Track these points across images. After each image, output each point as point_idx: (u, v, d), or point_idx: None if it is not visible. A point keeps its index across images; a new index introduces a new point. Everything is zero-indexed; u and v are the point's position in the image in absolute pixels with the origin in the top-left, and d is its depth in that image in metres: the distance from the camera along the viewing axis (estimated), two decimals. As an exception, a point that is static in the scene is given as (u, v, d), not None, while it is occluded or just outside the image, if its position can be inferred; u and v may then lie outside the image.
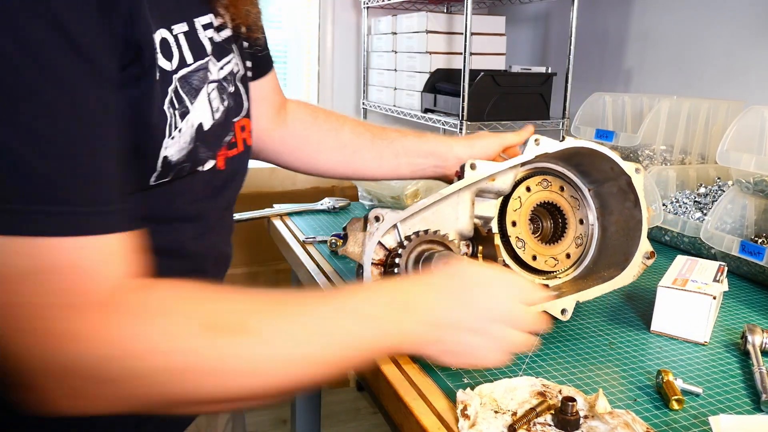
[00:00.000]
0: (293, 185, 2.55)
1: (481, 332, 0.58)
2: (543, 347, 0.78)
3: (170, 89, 0.52)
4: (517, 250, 0.86)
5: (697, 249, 1.16)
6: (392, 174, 0.94)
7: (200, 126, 0.56)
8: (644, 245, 0.85)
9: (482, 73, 2.05)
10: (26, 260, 0.41)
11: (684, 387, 0.68)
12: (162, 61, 0.51)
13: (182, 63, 0.54)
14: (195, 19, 0.56)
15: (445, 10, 2.77)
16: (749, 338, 0.78)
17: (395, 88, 2.53)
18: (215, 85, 0.58)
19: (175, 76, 0.53)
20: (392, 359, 0.74)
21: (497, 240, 0.82)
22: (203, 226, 0.63)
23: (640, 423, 0.58)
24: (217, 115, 0.59)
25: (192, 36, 0.55)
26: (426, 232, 0.78)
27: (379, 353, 0.57)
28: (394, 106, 2.54)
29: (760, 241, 1.07)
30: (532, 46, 2.69)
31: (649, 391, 0.69)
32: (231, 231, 0.72)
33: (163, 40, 0.52)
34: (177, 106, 0.53)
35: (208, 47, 0.57)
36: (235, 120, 0.66)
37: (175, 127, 0.53)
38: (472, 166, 0.81)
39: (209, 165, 0.62)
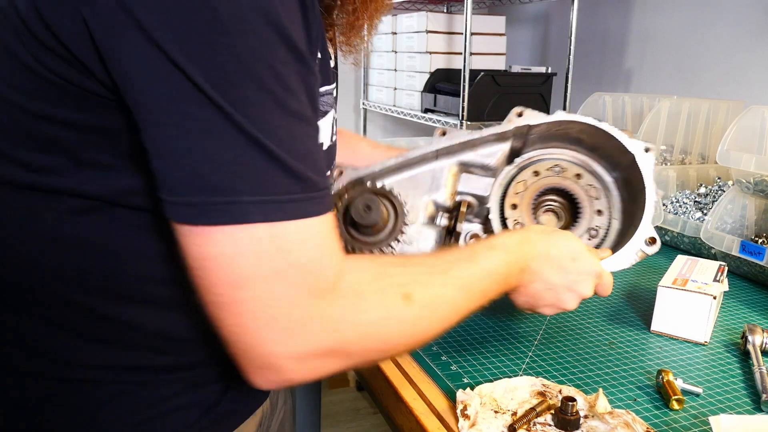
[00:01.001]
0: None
1: (570, 290, 0.69)
2: (543, 347, 0.78)
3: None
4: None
5: (698, 249, 1.16)
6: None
7: (321, 146, 0.58)
8: (646, 230, 0.77)
9: (482, 73, 2.05)
10: (278, 256, 0.46)
11: (684, 387, 0.68)
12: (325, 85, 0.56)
13: (323, 83, 0.57)
14: (329, 49, 0.60)
15: (445, 10, 2.77)
16: (749, 338, 0.78)
17: (395, 88, 2.53)
18: (333, 112, 0.62)
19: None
20: (392, 359, 0.74)
21: (463, 207, 0.81)
22: None
23: (640, 423, 0.58)
24: (332, 140, 0.62)
25: (325, 62, 0.57)
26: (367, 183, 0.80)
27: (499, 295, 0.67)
28: (394, 106, 2.54)
29: (760, 241, 1.07)
30: (532, 46, 2.69)
31: (649, 391, 0.69)
32: None
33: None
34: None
35: (331, 76, 0.61)
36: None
37: None
38: (443, 133, 0.82)
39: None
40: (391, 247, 0.81)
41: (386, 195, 0.79)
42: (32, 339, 0.53)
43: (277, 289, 0.46)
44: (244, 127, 0.43)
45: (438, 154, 0.84)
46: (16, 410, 0.57)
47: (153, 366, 0.57)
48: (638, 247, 0.76)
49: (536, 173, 0.83)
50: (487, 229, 0.83)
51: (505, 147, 0.84)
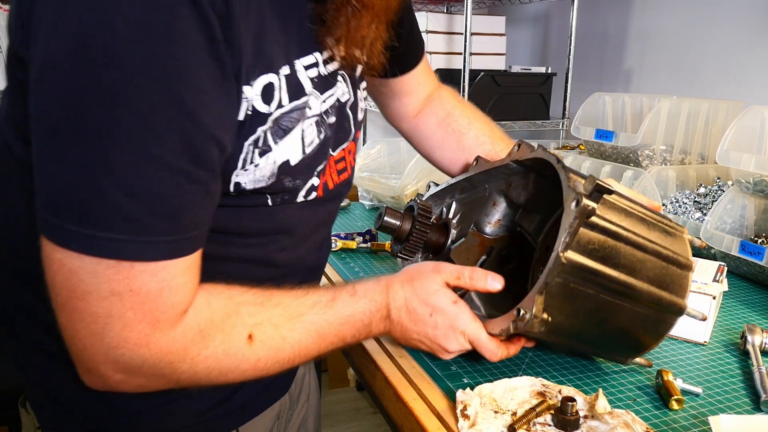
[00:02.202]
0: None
1: (434, 343, 0.69)
2: (543, 347, 0.78)
3: (261, 129, 0.55)
4: (536, 278, 0.80)
5: (697, 249, 1.16)
6: None
7: (286, 163, 0.59)
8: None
9: (482, 73, 2.06)
10: (119, 281, 0.48)
11: (684, 387, 0.68)
12: (260, 105, 0.54)
13: (279, 105, 0.56)
14: (296, 61, 0.58)
15: (445, 10, 2.77)
16: (749, 338, 0.78)
17: (395, 88, 2.53)
18: (314, 119, 0.60)
19: (270, 118, 0.56)
20: (392, 359, 0.74)
21: (451, 236, 0.83)
22: (295, 241, 0.66)
23: (639, 423, 0.58)
24: (309, 149, 0.61)
25: (291, 78, 0.57)
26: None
27: (367, 338, 0.68)
28: (394, 106, 2.53)
29: (759, 241, 1.07)
30: (532, 46, 2.69)
31: (649, 391, 0.69)
32: (325, 243, 0.75)
33: (268, 85, 0.55)
34: (260, 144, 0.56)
35: (308, 86, 0.59)
36: (341, 147, 0.68)
37: (251, 162, 0.56)
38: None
39: (312, 196, 0.64)
40: (401, 258, 0.83)
41: (408, 212, 0.82)
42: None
43: (114, 309, 0.48)
44: (99, 165, 0.45)
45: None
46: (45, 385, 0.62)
47: None
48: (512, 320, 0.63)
49: None
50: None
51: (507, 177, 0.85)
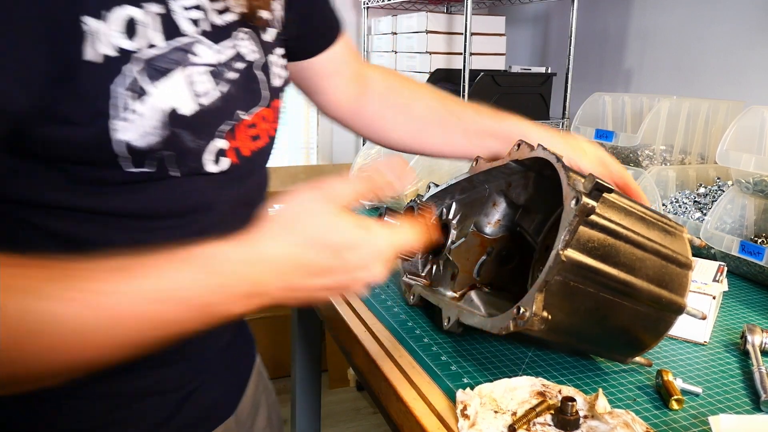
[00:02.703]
0: (293, 185, 2.55)
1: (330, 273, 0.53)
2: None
3: (126, 68, 0.51)
4: (536, 277, 0.80)
5: (697, 248, 1.16)
6: (462, 153, 0.90)
7: (174, 112, 0.54)
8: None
9: (482, 73, 2.06)
10: None
11: (684, 387, 0.68)
12: (123, 41, 0.50)
13: (149, 44, 0.52)
14: (173, 1, 0.54)
15: (445, 10, 2.77)
16: (749, 338, 0.78)
17: (395, 88, 2.53)
18: (206, 69, 0.56)
19: (135, 56, 0.51)
20: (392, 358, 0.74)
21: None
22: (215, 222, 0.61)
23: (639, 423, 0.58)
24: (204, 101, 0.56)
25: (165, 17, 0.53)
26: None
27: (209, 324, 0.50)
28: (394, 106, 2.54)
29: (759, 241, 1.07)
30: (532, 46, 2.69)
31: (649, 391, 0.69)
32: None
33: (129, 20, 0.50)
34: (131, 87, 0.51)
35: (189, 29, 0.55)
36: (253, 111, 0.64)
37: (126, 108, 0.51)
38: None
39: (225, 164, 0.59)
40: (400, 259, 0.83)
41: (409, 212, 0.82)
42: None
43: None
44: None
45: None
46: None
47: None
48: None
49: None
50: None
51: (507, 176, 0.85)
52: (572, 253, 0.61)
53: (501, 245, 0.85)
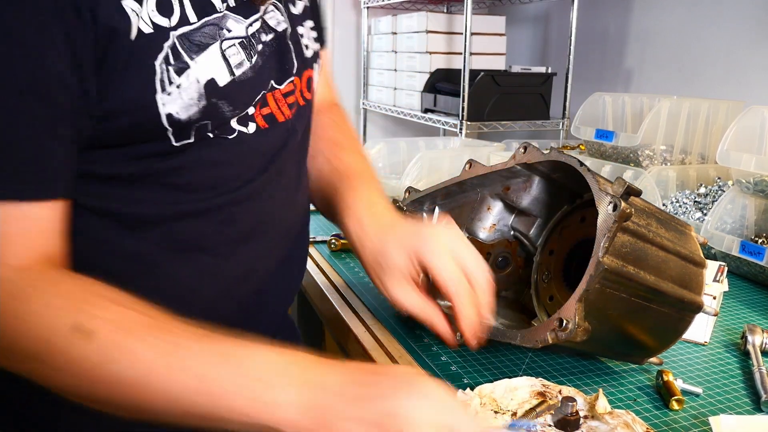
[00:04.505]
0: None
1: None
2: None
3: (166, 45, 0.54)
4: (539, 281, 0.79)
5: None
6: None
7: (211, 82, 0.57)
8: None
9: (482, 73, 2.05)
10: None
11: (684, 387, 0.68)
12: (158, 18, 0.53)
13: (184, 20, 0.55)
14: None
15: (445, 10, 2.77)
16: (749, 338, 0.78)
17: (395, 88, 2.53)
18: (236, 41, 0.59)
19: (174, 33, 0.54)
20: (392, 358, 0.74)
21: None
22: (249, 191, 0.63)
23: (640, 423, 0.58)
24: (239, 71, 0.59)
25: None
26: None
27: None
28: (394, 106, 2.54)
29: (760, 241, 1.07)
30: (532, 46, 2.68)
31: (649, 391, 0.69)
32: (295, 198, 0.70)
33: None
34: (173, 62, 0.54)
35: (218, 4, 0.58)
36: (288, 80, 0.66)
37: (170, 83, 0.54)
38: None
39: (252, 128, 0.62)
40: None
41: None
42: None
43: None
44: None
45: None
46: None
47: None
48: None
49: (583, 219, 0.76)
50: None
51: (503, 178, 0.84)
52: (610, 260, 0.61)
53: (498, 250, 0.85)
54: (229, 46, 0.58)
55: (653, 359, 0.73)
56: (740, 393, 0.70)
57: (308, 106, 0.72)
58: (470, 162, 0.83)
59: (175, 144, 0.57)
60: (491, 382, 0.65)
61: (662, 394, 0.67)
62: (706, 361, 0.77)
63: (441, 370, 0.72)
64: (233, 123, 0.60)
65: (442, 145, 1.76)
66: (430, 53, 2.30)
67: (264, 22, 0.63)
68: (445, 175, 1.32)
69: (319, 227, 1.30)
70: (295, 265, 0.76)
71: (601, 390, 0.62)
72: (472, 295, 0.64)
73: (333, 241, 1.14)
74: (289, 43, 0.67)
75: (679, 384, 0.68)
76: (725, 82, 1.77)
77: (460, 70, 2.02)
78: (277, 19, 0.65)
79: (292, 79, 0.67)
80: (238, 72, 0.59)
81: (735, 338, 0.83)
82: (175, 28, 0.54)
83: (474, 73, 2.04)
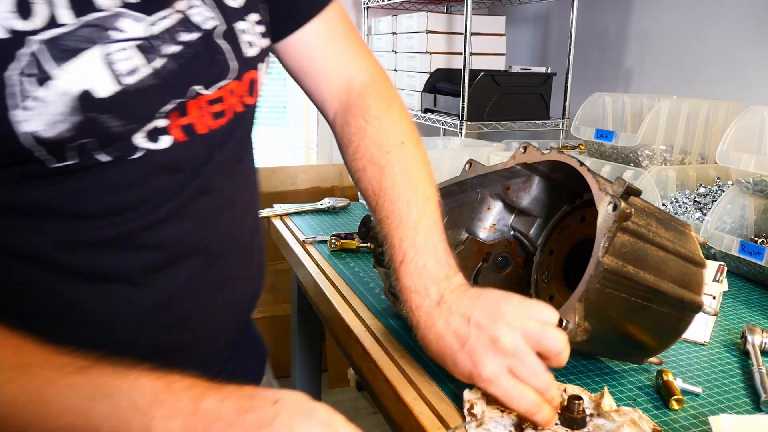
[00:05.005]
0: (293, 185, 2.55)
1: None
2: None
3: (22, 52, 0.46)
4: (539, 281, 0.79)
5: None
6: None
7: (87, 93, 0.49)
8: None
9: (482, 73, 2.06)
10: None
11: (684, 387, 0.68)
12: (14, 21, 0.46)
13: (52, 23, 0.47)
14: None
15: (445, 10, 2.77)
16: (749, 338, 0.78)
17: (395, 88, 2.53)
18: (130, 44, 0.50)
19: (35, 38, 0.46)
20: (392, 358, 0.74)
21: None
22: (165, 213, 0.56)
23: (647, 420, 0.58)
24: (131, 79, 0.50)
25: None
26: None
27: None
28: (394, 106, 2.53)
29: (759, 241, 1.07)
30: (532, 46, 2.69)
31: (649, 390, 0.69)
32: (229, 216, 0.62)
33: None
34: (34, 71, 0.47)
35: (107, 2, 0.50)
36: (218, 85, 0.58)
37: (27, 96, 0.47)
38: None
39: (165, 142, 0.54)
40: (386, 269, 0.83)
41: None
42: None
43: None
44: None
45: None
46: None
47: None
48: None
49: (583, 219, 0.76)
50: None
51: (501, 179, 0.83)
52: (609, 260, 0.61)
53: (498, 250, 0.85)
54: (119, 50, 0.50)
55: (653, 359, 0.73)
56: (740, 393, 0.70)
57: (250, 112, 0.64)
58: (470, 162, 0.83)
59: (51, 167, 0.49)
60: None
61: (662, 393, 0.67)
62: (705, 360, 0.77)
63: (441, 370, 0.71)
64: (137, 139, 0.53)
65: (442, 145, 1.76)
66: (430, 53, 2.30)
67: (186, 19, 0.55)
68: (445, 175, 1.32)
69: (319, 227, 1.30)
70: (239, 287, 0.67)
71: (606, 387, 0.62)
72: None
73: (333, 241, 1.14)
74: (222, 42, 0.58)
75: (678, 384, 0.68)
76: (725, 82, 1.77)
77: (460, 70, 2.02)
78: (203, 16, 0.56)
79: (226, 83, 0.59)
80: (129, 80, 0.50)
81: (735, 338, 0.83)
82: (37, 31, 0.46)
83: (474, 73, 2.04)
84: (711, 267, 0.89)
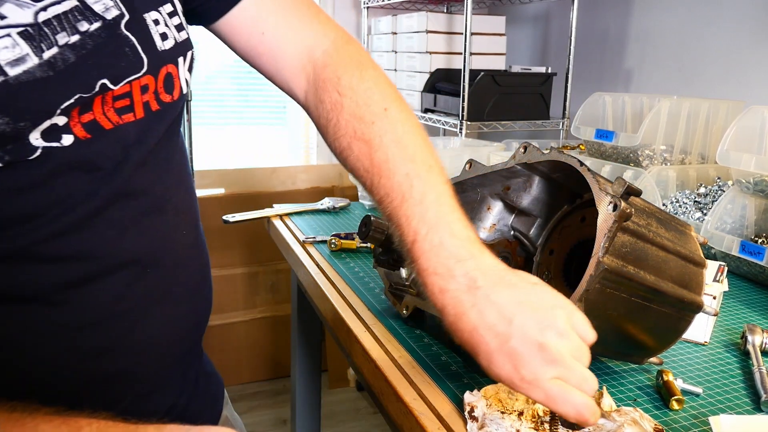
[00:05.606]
0: (293, 185, 2.55)
1: None
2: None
3: None
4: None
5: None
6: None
7: None
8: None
9: (482, 73, 2.06)
10: None
11: (684, 387, 0.68)
12: None
13: None
14: None
15: (445, 10, 2.77)
16: (749, 338, 0.78)
17: (395, 88, 2.53)
18: (13, 30, 0.45)
19: None
20: (392, 358, 0.74)
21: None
22: (78, 218, 0.51)
23: (648, 419, 0.58)
24: (16, 70, 0.45)
25: None
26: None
27: None
28: (394, 106, 2.53)
29: (760, 241, 1.07)
30: (532, 46, 2.69)
31: (649, 391, 0.69)
32: (160, 221, 0.57)
33: None
34: None
35: None
36: (127, 80, 0.53)
37: None
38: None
39: (67, 141, 0.49)
40: (386, 269, 0.82)
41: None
42: None
43: None
44: None
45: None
46: None
47: None
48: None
49: (583, 219, 0.76)
50: None
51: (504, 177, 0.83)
52: (610, 260, 0.61)
53: (498, 251, 0.85)
54: (0, 37, 0.45)
55: (653, 359, 0.73)
56: (740, 393, 0.70)
57: (170, 110, 0.58)
58: (470, 162, 0.83)
59: None
60: (495, 384, 0.65)
61: (662, 394, 0.67)
62: (706, 361, 0.77)
63: (441, 370, 0.72)
64: (33, 138, 0.47)
65: (442, 145, 1.76)
66: (430, 53, 2.30)
67: (83, 6, 0.49)
68: (450, 176, 1.32)
69: (319, 227, 1.30)
70: (180, 306, 0.61)
71: (605, 387, 0.62)
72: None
73: (333, 241, 1.14)
74: (127, 33, 0.52)
75: (679, 384, 0.68)
76: (725, 82, 1.77)
77: (460, 70, 2.02)
78: (104, 4, 0.51)
79: (137, 77, 0.53)
80: (14, 71, 0.45)
81: (735, 338, 0.83)
82: None
83: (474, 73, 2.04)
84: (711, 267, 0.89)
